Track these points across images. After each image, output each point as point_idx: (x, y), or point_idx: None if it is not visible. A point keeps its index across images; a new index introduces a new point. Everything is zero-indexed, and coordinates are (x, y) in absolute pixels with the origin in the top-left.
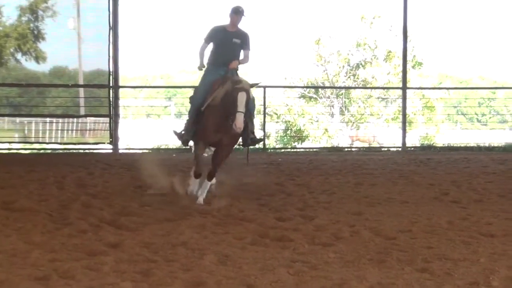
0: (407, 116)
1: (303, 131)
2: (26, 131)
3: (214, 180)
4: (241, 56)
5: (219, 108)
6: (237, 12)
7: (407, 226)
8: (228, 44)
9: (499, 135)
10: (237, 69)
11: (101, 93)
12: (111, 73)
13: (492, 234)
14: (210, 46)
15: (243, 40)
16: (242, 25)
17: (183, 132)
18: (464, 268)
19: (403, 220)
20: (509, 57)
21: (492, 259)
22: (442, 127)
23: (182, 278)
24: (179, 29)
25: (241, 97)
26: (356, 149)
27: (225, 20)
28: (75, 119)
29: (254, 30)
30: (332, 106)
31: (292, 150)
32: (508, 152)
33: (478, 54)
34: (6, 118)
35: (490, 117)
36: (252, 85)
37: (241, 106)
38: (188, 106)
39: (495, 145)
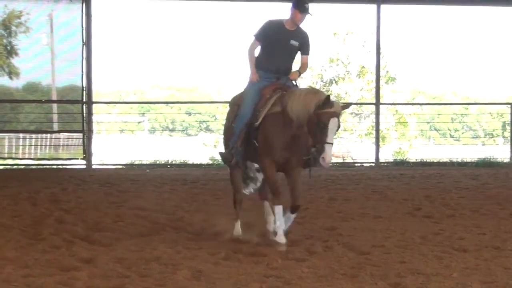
0: (380, 131)
1: None
2: None
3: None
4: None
5: (282, 122)
6: (302, 10)
7: (381, 241)
8: (284, 45)
9: (472, 151)
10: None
11: (75, 109)
12: (84, 89)
13: (464, 249)
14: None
15: (302, 43)
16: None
17: (231, 153)
18: (436, 282)
19: (376, 235)
20: (481, 73)
21: (465, 273)
22: (415, 143)
23: None
24: (151, 45)
25: (333, 125)
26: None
27: (276, 15)
28: (48, 135)
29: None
30: None
31: None
32: (481, 168)
33: (451, 71)
34: None
35: (463, 133)
36: (344, 108)
37: (331, 136)
38: (163, 122)
39: (468, 160)
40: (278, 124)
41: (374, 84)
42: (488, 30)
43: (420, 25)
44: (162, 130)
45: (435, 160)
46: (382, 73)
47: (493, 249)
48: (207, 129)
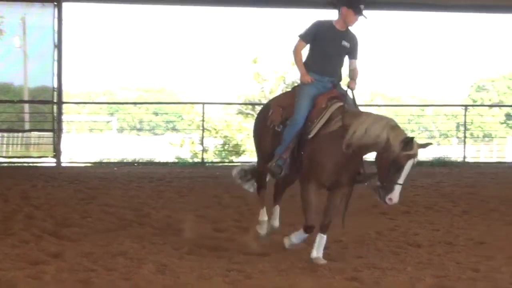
0: None
1: (240, 146)
2: None
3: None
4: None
5: (338, 142)
6: (357, 11)
7: (339, 237)
8: (336, 47)
9: (428, 150)
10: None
11: (45, 109)
12: (55, 90)
13: (418, 244)
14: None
15: (352, 45)
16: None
17: (279, 165)
18: (391, 276)
19: (334, 231)
20: (437, 77)
21: (418, 268)
22: None
23: (121, 287)
24: (121, 48)
25: (408, 167)
26: None
27: (321, 16)
28: (20, 134)
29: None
30: None
31: (230, 164)
32: (435, 166)
33: (409, 74)
34: None
35: (419, 133)
36: (421, 147)
37: (403, 178)
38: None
39: (424, 159)
40: (333, 144)
41: None
42: (444, 36)
43: (380, 30)
44: (130, 129)
45: None
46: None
47: (445, 244)
48: (174, 128)
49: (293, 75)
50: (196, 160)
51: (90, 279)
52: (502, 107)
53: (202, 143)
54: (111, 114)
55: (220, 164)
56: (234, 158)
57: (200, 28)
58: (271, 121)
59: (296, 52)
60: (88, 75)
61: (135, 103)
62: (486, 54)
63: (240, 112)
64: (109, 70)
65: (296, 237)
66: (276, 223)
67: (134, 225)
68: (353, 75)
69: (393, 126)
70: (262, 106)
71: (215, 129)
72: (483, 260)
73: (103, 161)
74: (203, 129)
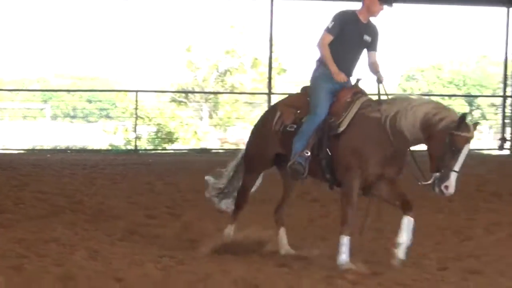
0: None
1: (173, 134)
2: None
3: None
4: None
5: (378, 131)
6: (385, 0)
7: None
8: (358, 42)
9: None
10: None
11: None
12: None
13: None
14: None
15: (373, 37)
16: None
17: (299, 162)
18: (319, 263)
19: (265, 218)
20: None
21: (349, 253)
22: None
23: (54, 273)
24: (55, 35)
25: (465, 152)
26: (223, 150)
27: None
28: None
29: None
30: (201, 110)
31: (163, 151)
32: None
33: None
34: None
35: None
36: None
37: (460, 163)
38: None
39: None
40: (375, 134)
41: (266, 75)
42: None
43: (311, 20)
44: (64, 117)
45: None
46: (274, 64)
47: (375, 230)
48: (107, 116)
49: (226, 64)
50: (129, 147)
51: (22, 265)
52: (431, 97)
53: (135, 131)
54: (45, 101)
55: (153, 151)
56: (167, 146)
57: (134, 16)
58: (281, 122)
59: (324, 47)
60: (22, 62)
61: (68, 91)
62: (416, 44)
63: (173, 100)
64: (43, 57)
65: (343, 249)
66: (289, 250)
67: (66, 211)
68: (376, 67)
69: (443, 107)
70: (194, 94)
71: (148, 117)
72: (412, 246)
73: (36, 148)
74: (137, 117)
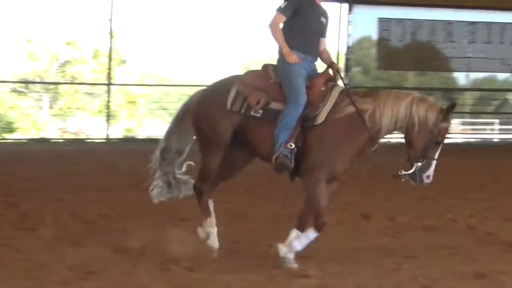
0: (111, 110)
1: (13, 123)
2: None
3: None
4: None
5: (357, 128)
6: None
7: (107, 212)
8: (318, 23)
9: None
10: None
11: None
12: None
13: (184, 218)
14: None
15: (326, 22)
16: None
17: (285, 155)
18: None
19: (102, 206)
20: (203, 59)
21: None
22: (144, 121)
23: None
24: None
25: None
26: (63, 140)
27: None
28: None
29: None
30: (42, 100)
31: (2, 141)
32: None
33: (179, 56)
34: None
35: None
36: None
37: (438, 151)
38: None
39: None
40: (352, 131)
41: (106, 66)
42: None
43: (153, 12)
44: None
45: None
46: (114, 56)
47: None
48: None
49: (66, 55)
50: None
51: None
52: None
53: None
54: None
55: None
56: (6, 135)
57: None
58: (245, 105)
59: (275, 27)
60: None
61: None
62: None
63: (14, 90)
64: None
65: (301, 240)
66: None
67: None
68: (328, 55)
69: (422, 99)
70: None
71: None
72: (244, 233)
73: None
74: None
